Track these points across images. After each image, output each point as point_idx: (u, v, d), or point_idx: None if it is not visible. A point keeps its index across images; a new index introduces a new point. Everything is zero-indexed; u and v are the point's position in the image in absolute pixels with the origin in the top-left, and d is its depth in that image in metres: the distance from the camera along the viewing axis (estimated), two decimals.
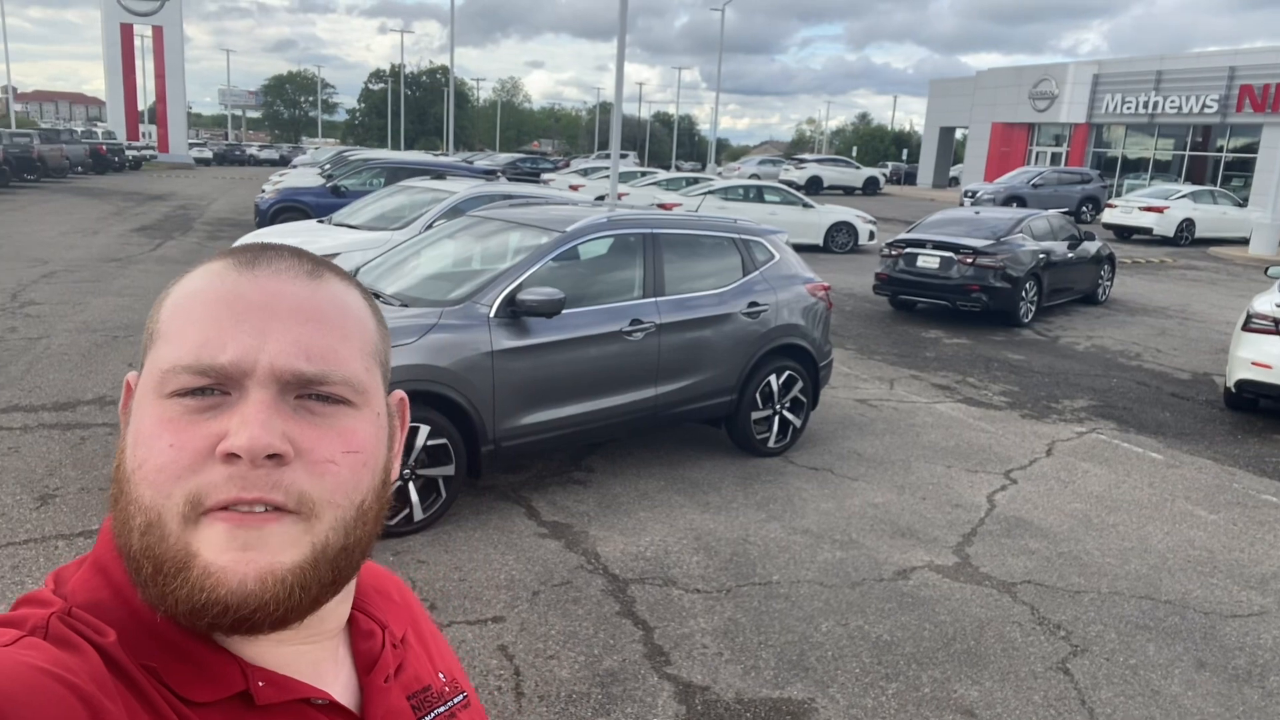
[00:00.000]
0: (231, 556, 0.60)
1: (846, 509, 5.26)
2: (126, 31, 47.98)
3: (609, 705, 3.30)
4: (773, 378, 5.98)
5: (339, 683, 0.72)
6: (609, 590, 4.16)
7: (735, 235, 6.04)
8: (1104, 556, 4.80)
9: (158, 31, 48.34)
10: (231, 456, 0.60)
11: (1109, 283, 13.71)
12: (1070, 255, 12.40)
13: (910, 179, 53.27)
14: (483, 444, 4.75)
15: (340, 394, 0.65)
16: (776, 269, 6.11)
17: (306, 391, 0.64)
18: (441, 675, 0.82)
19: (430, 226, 8.67)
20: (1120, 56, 38.90)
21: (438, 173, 12.94)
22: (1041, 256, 11.64)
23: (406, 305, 4.90)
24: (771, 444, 6.06)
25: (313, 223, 10.08)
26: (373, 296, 0.73)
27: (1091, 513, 5.40)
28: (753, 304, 5.84)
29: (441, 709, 0.79)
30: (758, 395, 5.92)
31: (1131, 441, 6.91)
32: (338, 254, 8.09)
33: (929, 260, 11.46)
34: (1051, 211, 13.27)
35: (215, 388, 0.62)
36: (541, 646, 3.66)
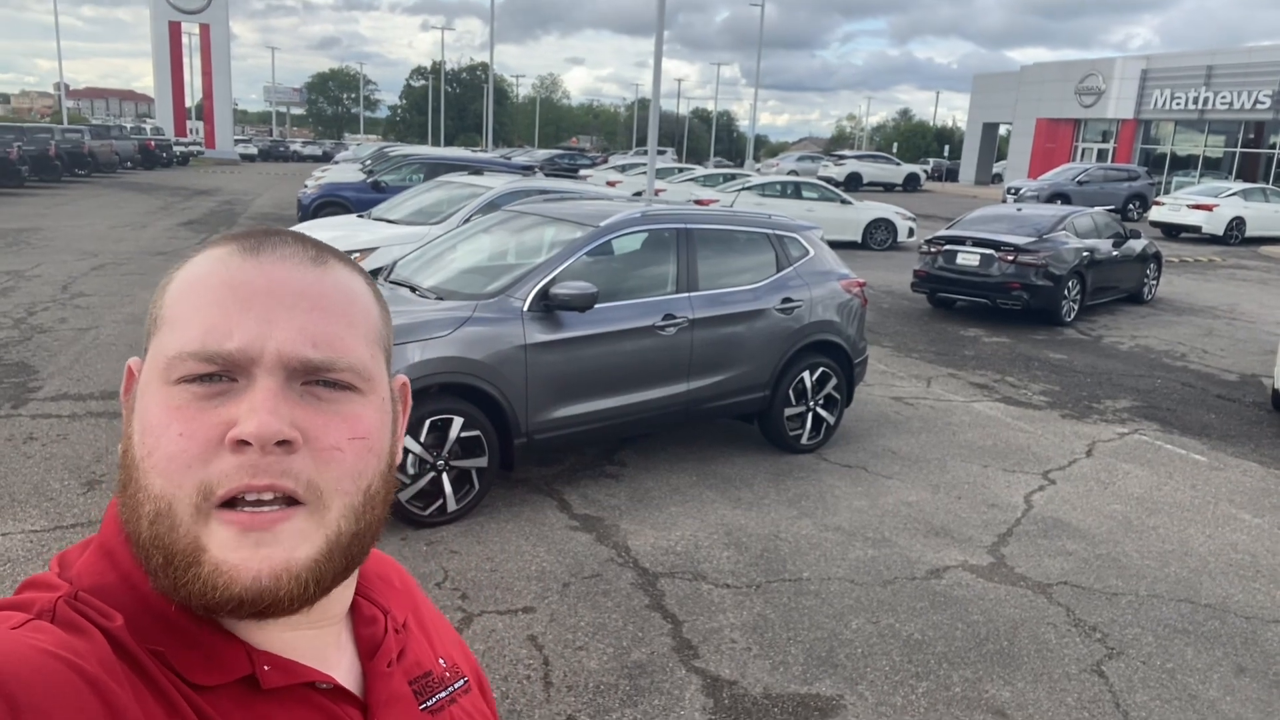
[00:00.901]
0: (244, 554, 0.61)
1: (880, 507, 5.22)
2: (175, 29, 48.99)
3: (636, 697, 3.32)
4: (806, 374, 5.95)
5: (342, 667, 0.72)
6: (639, 584, 4.18)
7: (769, 231, 6.01)
8: (1143, 559, 4.71)
9: (205, 29, 49.32)
10: (241, 444, 0.60)
11: (1155, 282, 13.44)
12: (1115, 253, 12.17)
13: (952, 176, 52.58)
14: (515, 437, 4.79)
15: (347, 380, 0.66)
16: (811, 265, 6.08)
17: (313, 378, 0.64)
18: (442, 661, 0.83)
19: (467, 221, 8.75)
20: (1169, 51, 37.99)
21: (475, 168, 13.04)
22: (1085, 254, 11.44)
23: (442, 299, 4.95)
24: (805, 441, 6.03)
25: (352, 217, 10.22)
26: (375, 282, 0.73)
27: (1131, 515, 5.30)
28: (786, 300, 5.82)
29: (443, 694, 0.79)
30: (791, 392, 5.90)
31: (1174, 443, 6.77)
32: (376, 248, 8.20)
33: (969, 257, 11.32)
34: (1096, 209, 13.03)
35: (222, 374, 0.62)
36: (571, 637, 3.69)
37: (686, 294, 5.43)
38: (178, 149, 41.05)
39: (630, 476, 5.50)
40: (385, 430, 0.69)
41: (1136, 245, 12.80)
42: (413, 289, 5.18)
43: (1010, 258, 10.97)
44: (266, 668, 0.65)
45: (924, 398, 7.72)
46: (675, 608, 3.97)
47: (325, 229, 9.21)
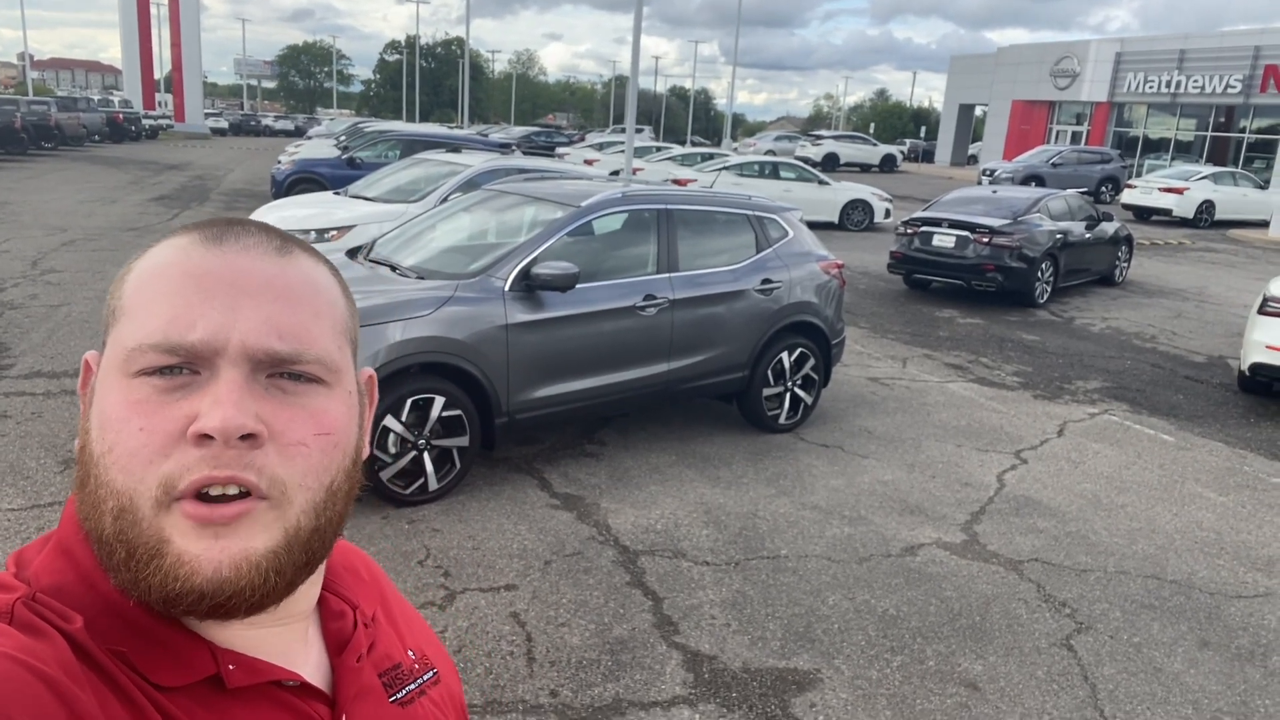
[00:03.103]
0: (204, 545, 0.59)
1: (856, 486, 5.31)
2: (143, 1, 47.92)
3: (618, 672, 3.37)
4: (785, 355, 6.00)
5: (310, 664, 0.71)
6: (619, 561, 4.23)
7: (749, 212, 6.04)
8: (1111, 537, 4.83)
9: (174, 0, 48.29)
10: (204, 438, 0.59)
11: (1126, 264, 13.62)
12: (1088, 236, 12.32)
13: (928, 157, 52.81)
14: (497, 416, 4.81)
15: (313, 373, 0.64)
16: (790, 246, 6.12)
17: (278, 370, 0.63)
18: (411, 653, 0.82)
19: (446, 200, 8.71)
20: (1143, 35, 38.27)
21: (453, 146, 12.94)
22: (1058, 237, 11.58)
23: (423, 278, 4.95)
24: (783, 421, 6.10)
25: (329, 195, 10.12)
26: (340, 272, 0.72)
27: (1101, 493, 5.42)
28: (766, 281, 5.86)
29: (412, 686, 0.78)
30: (770, 372, 5.95)
31: (1143, 423, 6.91)
32: (354, 226, 8.15)
33: (945, 239, 11.41)
34: (1070, 191, 13.17)
35: (184, 366, 0.61)
36: (553, 614, 3.74)
37: (667, 274, 5.45)
38: (146, 122, 40.33)
39: (610, 456, 5.54)
40: (351, 425, 0.68)
41: (1109, 228, 12.96)
42: (393, 268, 5.17)
43: (985, 240, 11.08)
44: (231, 667, 0.64)
45: (899, 378, 7.81)
46: (656, 585, 4.03)
47: (301, 206, 9.13)
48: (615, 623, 3.70)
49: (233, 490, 0.60)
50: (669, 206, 5.60)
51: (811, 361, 6.16)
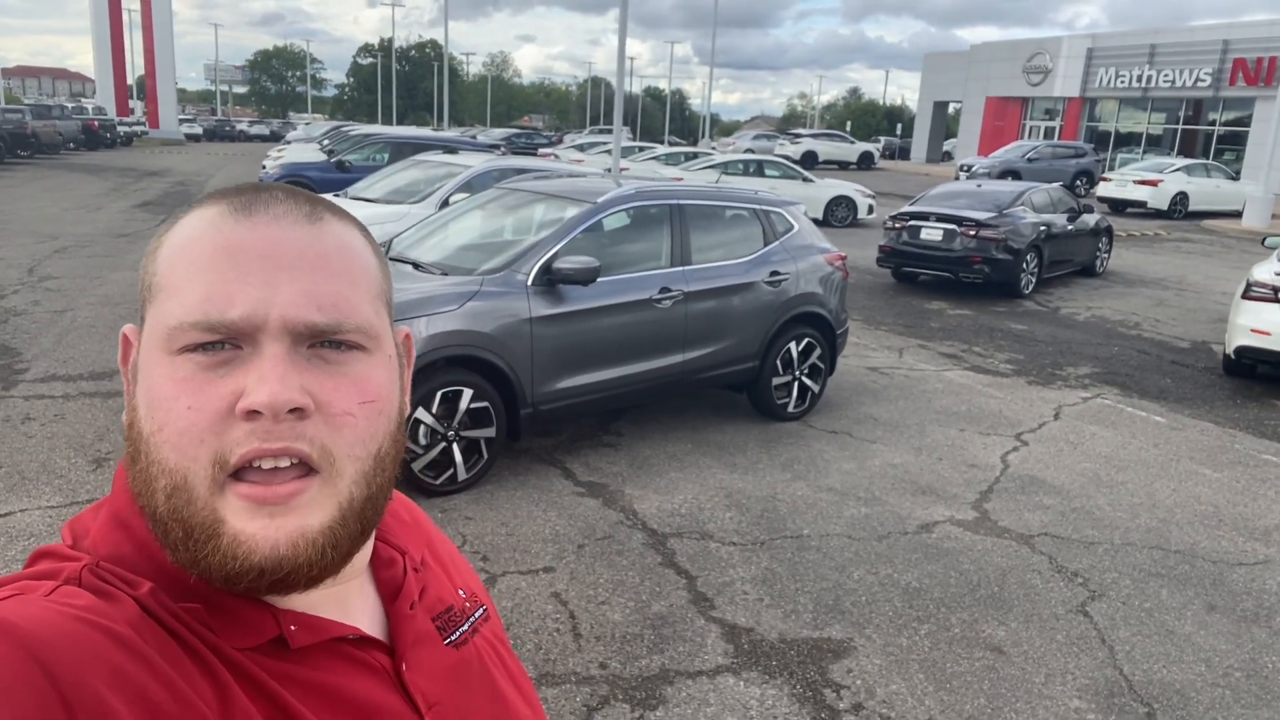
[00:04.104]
0: (260, 524, 0.60)
1: (868, 469, 5.48)
2: (115, 6, 47.50)
3: (662, 644, 3.52)
4: (793, 345, 6.17)
5: (366, 615, 0.72)
6: (649, 543, 4.38)
7: (756, 206, 6.21)
8: (1115, 511, 5.03)
9: (146, 5, 47.93)
10: (252, 414, 0.59)
11: (1106, 255, 13.94)
12: (1070, 228, 12.60)
13: (904, 154, 53.36)
14: (522, 407, 4.94)
15: (354, 340, 0.64)
16: (795, 239, 6.29)
17: (319, 340, 0.63)
18: (461, 592, 0.83)
19: (448, 200, 8.82)
20: (1114, 30, 38.89)
21: (450, 147, 13.03)
22: (1042, 229, 11.84)
23: (446, 274, 5.07)
24: (791, 409, 6.27)
25: (329, 197, 10.19)
26: (371, 233, 0.72)
27: (1101, 471, 5.63)
28: (774, 273, 6.03)
29: (465, 626, 0.79)
30: (778, 362, 6.12)
31: (1135, 406, 7.14)
32: None
33: (932, 233, 11.65)
34: (1052, 185, 13.46)
35: (226, 342, 0.61)
36: (592, 594, 3.88)
37: (680, 268, 5.61)
38: (122, 129, 39.97)
39: (628, 445, 5.68)
40: (394, 388, 0.68)
41: (1089, 219, 13.26)
42: (415, 265, 5.29)
43: (972, 232, 11.32)
44: (293, 628, 0.65)
45: (898, 368, 8.01)
46: (687, 564, 4.18)
47: None
48: (653, 600, 3.85)
49: (284, 462, 0.60)
50: (680, 202, 5.75)
51: (818, 351, 6.34)
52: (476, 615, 0.82)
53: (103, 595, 0.59)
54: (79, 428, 5.42)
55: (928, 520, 4.78)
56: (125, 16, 49.04)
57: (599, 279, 5.10)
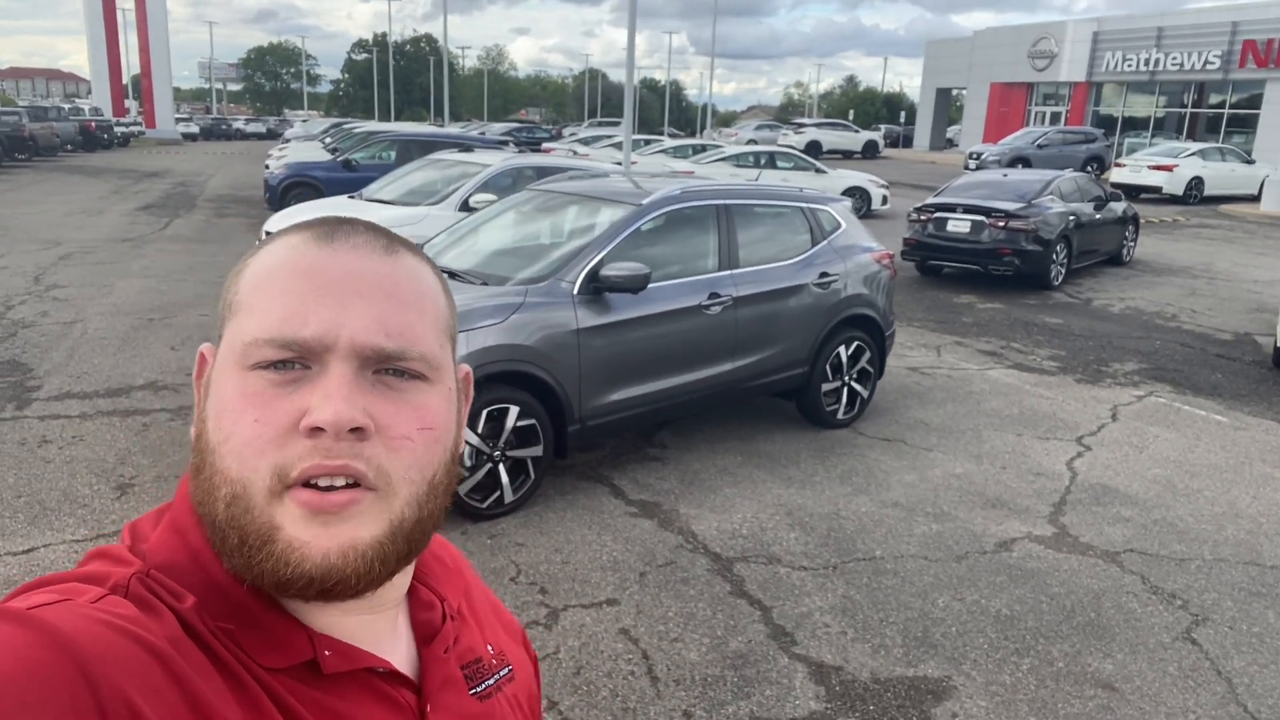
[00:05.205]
0: (314, 531, 0.62)
1: (929, 480, 5.21)
2: (109, 5, 47.03)
3: (746, 688, 3.25)
4: (842, 348, 5.90)
5: (398, 652, 0.73)
6: (715, 570, 4.10)
7: (803, 205, 5.92)
8: (1198, 523, 4.76)
9: (140, 4, 47.48)
10: (315, 431, 0.61)
11: (1133, 243, 13.65)
12: (1097, 216, 12.32)
13: (907, 142, 52.96)
14: (570, 423, 4.67)
15: (417, 369, 0.66)
16: (844, 238, 6.01)
17: (384, 366, 0.65)
18: (490, 647, 0.83)
19: (468, 201, 8.53)
20: (1120, 13, 38.52)
21: (464, 145, 12.72)
22: (1071, 218, 11.56)
23: (486, 283, 4.79)
24: (840, 416, 5.99)
25: (343, 199, 9.87)
26: (442, 272, 0.72)
27: (1174, 478, 5.36)
28: (824, 274, 5.74)
29: (490, 681, 0.80)
30: (828, 367, 5.84)
31: (1191, 404, 6.87)
32: None
33: (959, 224, 11.36)
34: (1078, 173, 13.16)
35: (297, 361, 0.63)
36: (663, 629, 3.61)
37: (729, 271, 5.32)
38: (119, 130, 39.58)
39: (674, 459, 5.41)
40: (451, 420, 0.70)
41: (1117, 207, 12.98)
42: (452, 274, 5.00)
43: (1001, 224, 11.03)
44: (328, 653, 0.66)
45: (938, 367, 7.74)
46: (759, 593, 3.91)
47: (319, 212, 8.90)
48: (729, 635, 3.58)
49: (340, 481, 0.62)
50: (727, 201, 5.47)
51: (867, 354, 6.06)
52: (502, 674, 0.82)
53: (146, 607, 0.60)
54: (99, 450, 5.14)
55: (1004, 537, 4.51)
56: (120, 16, 48.57)
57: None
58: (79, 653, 0.53)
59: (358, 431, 0.62)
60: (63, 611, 0.56)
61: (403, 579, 0.73)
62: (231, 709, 0.59)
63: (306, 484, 0.61)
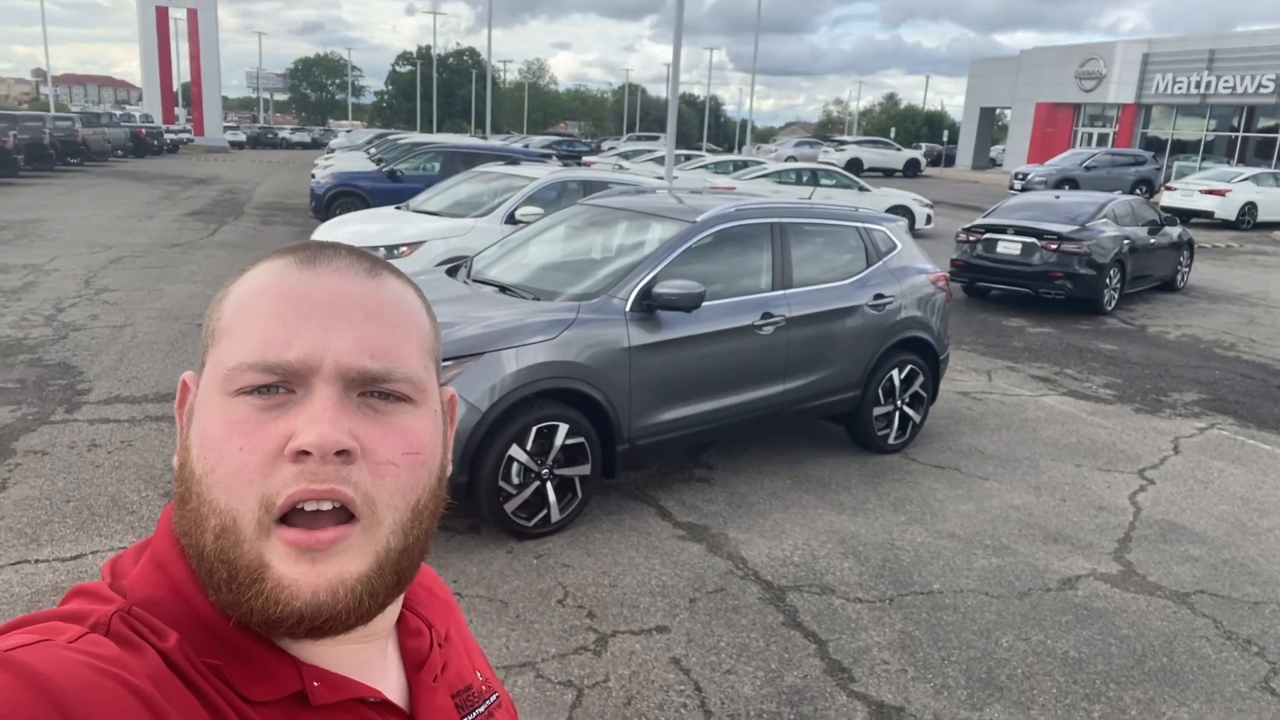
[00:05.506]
0: (302, 569, 0.61)
1: (986, 511, 5.05)
2: (161, 15, 48.09)
3: None
4: (895, 372, 5.76)
5: (388, 680, 0.72)
6: (767, 599, 3.98)
7: (858, 224, 5.81)
8: (1270, 564, 4.55)
9: (192, 15, 48.44)
10: (301, 454, 0.60)
11: (1188, 269, 13.33)
12: (1151, 241, 12.04)
13: (949, 161, 52.44)
14: (618, 442, 4.58)
15: (402, 391, 0.65)
16: (899, 259, 5.88)
17: (369, 389, 0.64)
18: (479, 674, 0.83)
19: (514, 214, 8.51)
20: (1170, 35, 37.90)
21: (511, 158, 12.74)
22: (1125, 242, 11.29)
23: (538, 299, 4.72)
24: (892, 440, 5.85)
25: (390, 210, 9.89)
26: (424, 293, 0.73)
27: (1242, 516, 5.15)
28: (878, 296, 5.61)
29: (480, 709, 0.79)
30: (880, 390, 5.70)
31: (1256, 438, 6.63)
32: (423, 241, 7.95)
33: (1010, 246, 11.14)
34: (1133, 196, 12.89)
35: (281, 385, 0.62)
36: (715, 660, 3.49)
37: (782, 291, 5.21)
38: (168, 136, 40.38)
39: (721, 481, 5.30)
40: (437, 444, 0.69)
41: (1172, 232, 12.68)
42: (503, 288, 4.94)
43: (1054, 246, 10.80)
44: (316, 684, 0.65)
45: (990, 392, 7.55)
46: (813, 625, 3.78)
47: (367, 222, 8.92)
48: (784, 669, 3.45)
49: (327, 506, 0.61)
50: (781, 220, 5.37)
51: (920, 379, 5.92)
52: (490, 700, 0.82)
53: (127, 645, 0.59)
54: (148, 456, 5.14)
55: (1068, 574, 4.34)
56: (171, 25, 49.62)
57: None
58: (57, 694, 0.51)
59: (344, 454, 0.61)
60: (40, 652, 0.55)
61: (393, 608, 0.72)
62: None
63: (293, 512, 0.60)
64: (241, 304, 0.66)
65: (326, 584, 0.61)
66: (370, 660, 0.71)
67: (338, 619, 0.62)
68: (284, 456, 0.60)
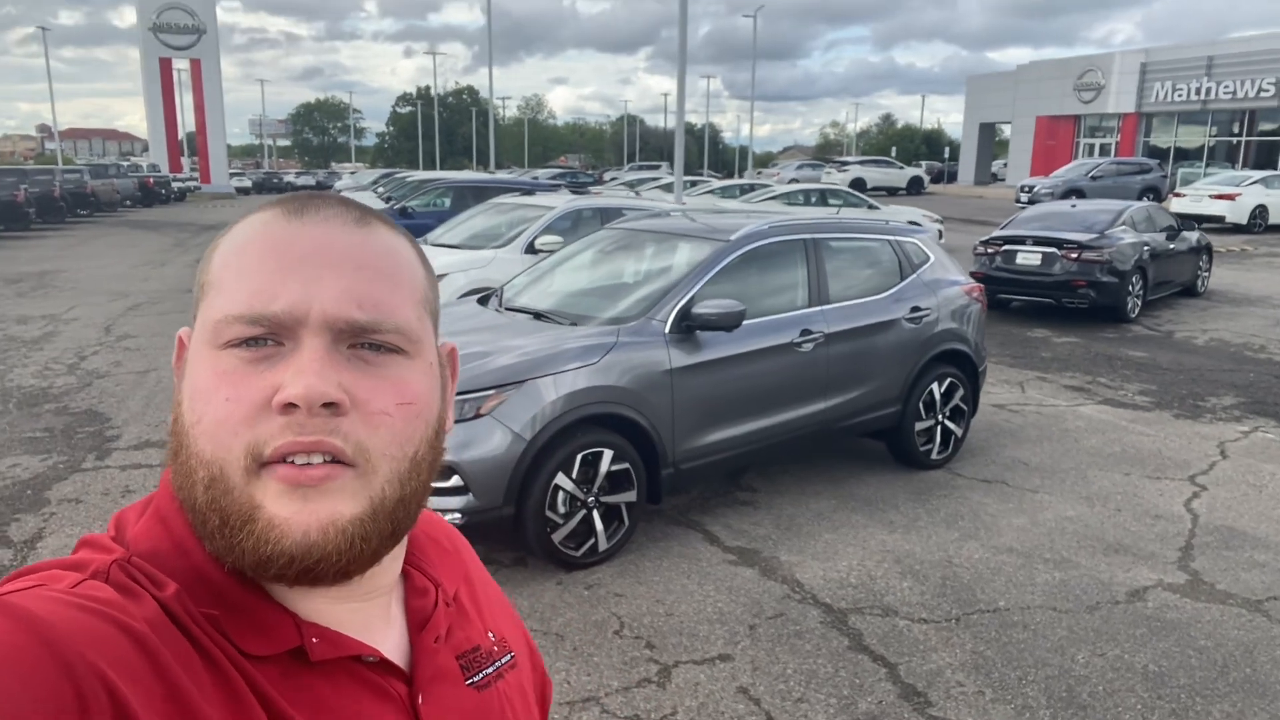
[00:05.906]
0: (294, 508, 0.60)
1: (1041, 524, 4.92)
2: (165, 66, 48.74)
3: None
4: (934, 385, 5.66)
5: (390, 640, 0.71)
6: (828, 622, 3.86)
7: (890, 238, 5.74)
8: None
9: (195, 65, 49.06)
10: (288, 407, 0.59)
11: (1207, 274, 13.23)
12: (1171, 246, 11.95)
13: (951, 177, 52.55)
14: (663, 467, 4.49)
15: (393, 342, 0.64)
16: (932, 271, 5.80)
17: (359, 340, 0.63)
18: (491, 635, 0.81)
19: (533, 243, 8.47)
20: (1167, 44, 38.07)
21: (526, 189, 12.76)
22: (1146, 249, 11.21)
23: (576, 324, 4.65)
24: (934, 456, 5.73)
25: None
26: (419, 244, 0.71)
27: None
28: (915, 309, 5.53)
29: (489, 669, 0.77)
30: (920, 404, 5.60)
31: None
32: (445, 274, 7.90)
33: (1029, 257, 11.07)
34: (1150, 203, 12.82)
35: (269, 337, 0.61)
36: (784, 688, 3.37)
37: (819, 307, 5.14)
38: (176, 185, 40.70)
39: (766, 503, 5.19)
40: (433, 395, 0.68)
41: (1191, 237, 12.60)
42: (538, 315, 4.87)
43: (1074, 255, 10.72)
44: (315, 640, 0.64)
45: (1025, 404, 7.43)
46: (880, 648, 3.65)
47: None
48: (856, 696, 3.33)
49: (317, 459, 0.60)
50: (814, 235, 5.30)
51: (960, 391, 5.82)
52: (503, 660, 0.79)
53: (126, 592, 0.59)
54: None
55: (1135, 585, 4.21)
56: (175, 76, 50.23)
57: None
58: (47, 631, 0.51)
59: (332, 407, 0.60)
60: (35, 595, 0.55)
61: (393, 563, 0.70)
62: (212, 696, 0.57)
63: (281, 462, 0.59)
64: (229, 257, 0.65)
65: (318, 523, 0.60)
66: (371, 619, 0.69)
67: (328, 560, 0.60)
68: (271, 409, 0.59)
